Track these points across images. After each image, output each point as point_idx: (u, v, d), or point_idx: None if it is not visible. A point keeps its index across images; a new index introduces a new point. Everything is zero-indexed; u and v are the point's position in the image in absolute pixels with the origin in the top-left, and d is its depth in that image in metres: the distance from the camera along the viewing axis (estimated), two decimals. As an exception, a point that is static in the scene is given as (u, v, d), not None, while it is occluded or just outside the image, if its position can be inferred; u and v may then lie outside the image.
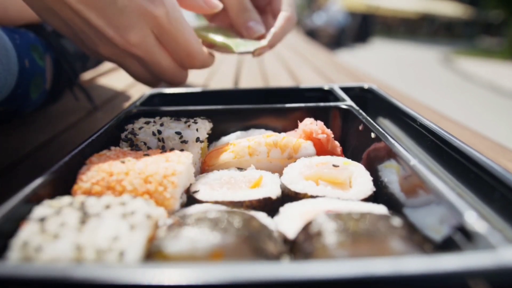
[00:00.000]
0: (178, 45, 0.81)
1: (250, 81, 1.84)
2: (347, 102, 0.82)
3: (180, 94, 0.95)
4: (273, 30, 0.95)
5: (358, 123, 0.73)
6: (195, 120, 0.71)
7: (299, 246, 0.42)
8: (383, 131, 0.63)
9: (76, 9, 0.72)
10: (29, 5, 0.77)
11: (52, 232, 0.39)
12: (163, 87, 1.00)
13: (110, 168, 0.52)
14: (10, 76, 0.82)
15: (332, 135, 0.70)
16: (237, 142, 0.69)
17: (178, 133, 0.65)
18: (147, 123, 0.69)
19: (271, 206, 0.54)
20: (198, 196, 0.55)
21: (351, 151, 0.76)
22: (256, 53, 0.93)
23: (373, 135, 0.65)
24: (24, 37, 0.91)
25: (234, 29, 0.98)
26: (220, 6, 0.90)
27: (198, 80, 1.81)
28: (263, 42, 0.94)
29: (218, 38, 0.91)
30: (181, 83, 0.93)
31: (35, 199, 0.45)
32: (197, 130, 0.67)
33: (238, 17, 0.94)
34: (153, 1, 0.74)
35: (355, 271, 0.30)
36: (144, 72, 0.88)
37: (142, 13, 0.74)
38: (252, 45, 0.92)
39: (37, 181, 0.47)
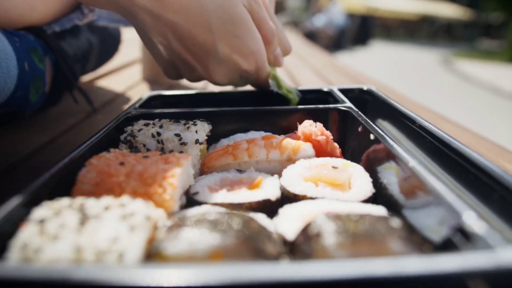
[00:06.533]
0: (258, 83, 0.90)
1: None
2: (346, 104, 0.82)
3: (179, 96, 0.95)
4: None
5: (357, 125, 0.73)
6: (194, 122, 0.71)
7: (299, 247, 0.42)
8: (382, 133, 0.63)
9: (177, 47, 0.78)
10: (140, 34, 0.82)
11: (52, 234, 0.39)
12: (165, 89, 1.00)
13: (109, 169, 0.52)
14: (10, 79, 0.82)
15: (331, 137, 0.70)
16: (236, 144, 0.69)
17: (177, 135, 0.65)
18: (146, 125, 0.69)
19: (270, 208, 0.54)
20: (197, 197, 0.55)
21: (351, 153, 0.76)
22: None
23: (372, 136, 0.65)
24: (24, 40, 0.91)
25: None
26: (282, 64, 0.94)
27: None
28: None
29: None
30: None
31: (35, 200, 0.45)
32: (196, 132, 0.67)
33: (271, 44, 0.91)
34: (247, 59, 0.81)
35: (354, 272, 0.30)
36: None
37: (234, 67, 0.82)
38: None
39: (37, 183, 0.47)
